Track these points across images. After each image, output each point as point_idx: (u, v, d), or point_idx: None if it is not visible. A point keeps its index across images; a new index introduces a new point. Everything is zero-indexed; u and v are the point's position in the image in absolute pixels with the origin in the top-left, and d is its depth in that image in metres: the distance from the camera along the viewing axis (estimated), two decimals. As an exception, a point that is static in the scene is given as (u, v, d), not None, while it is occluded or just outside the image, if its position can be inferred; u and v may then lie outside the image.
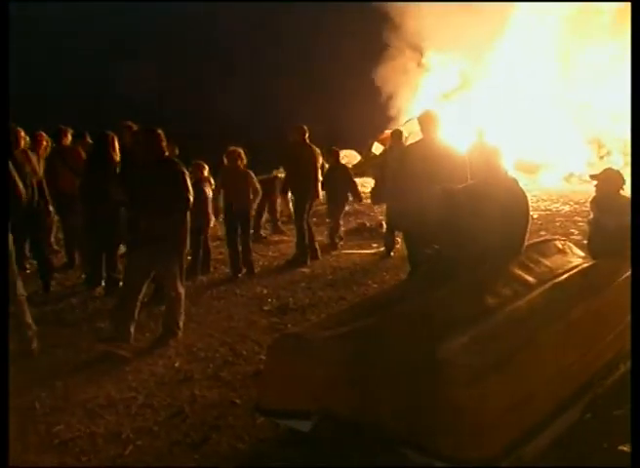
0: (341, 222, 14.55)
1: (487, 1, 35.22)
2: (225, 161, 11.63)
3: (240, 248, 11.61)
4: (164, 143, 8.09)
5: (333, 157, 14.10)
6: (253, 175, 11.67)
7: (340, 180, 13.84)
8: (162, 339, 8.09)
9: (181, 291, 8.22)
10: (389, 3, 35.60)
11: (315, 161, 12.24)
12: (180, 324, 8.25)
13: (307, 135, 12.19)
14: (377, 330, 5.08)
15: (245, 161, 11.56)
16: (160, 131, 8.08)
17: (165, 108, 35.75)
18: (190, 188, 8.05)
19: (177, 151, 11.22)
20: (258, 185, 11.65)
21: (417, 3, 35.36)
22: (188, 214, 8.14)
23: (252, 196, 11.57)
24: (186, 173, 8.14)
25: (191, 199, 8.04)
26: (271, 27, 39.37)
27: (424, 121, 9.04)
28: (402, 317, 5.20)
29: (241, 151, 11.49)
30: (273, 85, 37.81)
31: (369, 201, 15.16)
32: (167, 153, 8.31)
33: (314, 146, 12.34)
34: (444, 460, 4.25)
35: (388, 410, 4.49)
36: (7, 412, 4.57)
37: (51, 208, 10.75)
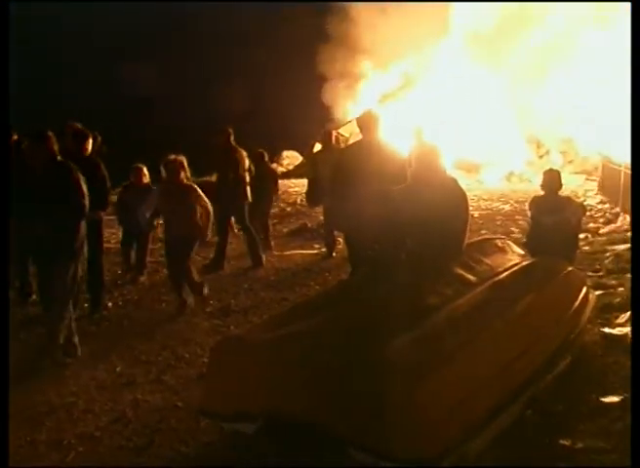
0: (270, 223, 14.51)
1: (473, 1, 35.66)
2: (163, 173, 9.55)
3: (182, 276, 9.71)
4: (55, 146, 7.44)
5: (258, 158, 13.97)
6: (198, 189, 9.50)
7: (266, 181, 13.83)
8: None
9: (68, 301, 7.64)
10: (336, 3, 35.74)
11: (239, 164, 12.05)
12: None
13: (232, 137, 12.04)
14: (319, 331, 5.07)
15: (188, 173, 9.54)
16: (50, 133, 7.46)
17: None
18: (85, 193, 7.35)
19: (104, 149, 10.78)
20: (206, 202, 9.48)
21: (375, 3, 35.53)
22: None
23: (198, 216, 9.36)
24: (81, 177, 7.39)
25: (86, 204, 7.36)
26: (210, 28, 39.13)
27: (363, 122, 8.83)
28: (345, 317, 5.20)
29: (182, 160, 9.45)
30: (212, 86, 37.62)
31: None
32: (59, 157, 7.51)
33: (240, 149, 12.18)
34: (388, 460, 4.26)
35: (332, 411, 4.48)
36: (7, 412, 4.57)
37: None
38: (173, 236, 9.47)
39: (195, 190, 9.40)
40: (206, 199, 9.46)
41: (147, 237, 11.51)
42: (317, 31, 36.09)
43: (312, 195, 13.17)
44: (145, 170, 11.02)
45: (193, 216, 9.26)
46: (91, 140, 8.72)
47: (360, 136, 9.00)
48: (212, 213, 9.53)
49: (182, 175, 9.37)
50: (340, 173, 8.52)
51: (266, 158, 14.48)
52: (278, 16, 37.32)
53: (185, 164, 9.41)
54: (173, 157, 9.39)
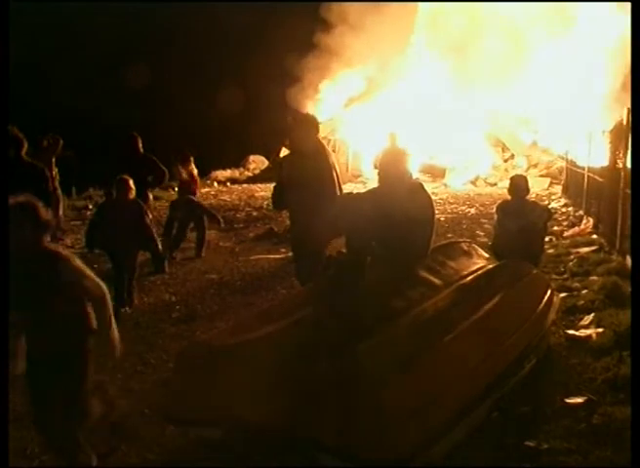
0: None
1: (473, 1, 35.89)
2: (114, 193, 9.77)
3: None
4: None
5: (186, 161, 13.84)
6: (143, 206, 9.84)
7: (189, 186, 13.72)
8: None
9: None
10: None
11: (143, 169, 11.84)
12: None
13: (140, 144, 11.96)
14: (286, 335, 5.07)
15: (134, 191, 9.64)
16: None
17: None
18: None
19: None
20: (149, 221, 9.81)
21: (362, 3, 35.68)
22: None
23: (144, 235, 9.61)
24: None
25: None
26: (168, 27, 38.90)
27: (291, 127, 8.33)
28: (311, 322, 5.21)
29: (129, 179, 9.55)
30: (179, 90, 37.46)
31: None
32: None
33: (150, 155, 12.08)
34: (354, 462, 4.27)
35: (298, 415, 4.48)
36: (7, 413, 4.54)
37: None
38: (122, 250, 9.60)
39: (141, 207, 9.76)
40: (149, 221, 9.85)
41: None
42: (286, 33, 36.11)
43: (277, 199, 13.10)
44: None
45: (144, 231, 9.67)
46: (26, 146, 8.49)
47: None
48: (155, 237, 9.96)
49: (131, 193, 9.58)
50: (278, 183, 8.42)
51: (192, 160, 14.13)
52: (251, 16, 37.25)
53: (131, 183, 9.58)
54: (124, 177, 9.61)
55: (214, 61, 39.37)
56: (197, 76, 38.98)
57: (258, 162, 34.86)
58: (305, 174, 7.92)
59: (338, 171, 8.40)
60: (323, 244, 8.02)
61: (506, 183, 9.37)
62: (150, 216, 10.08)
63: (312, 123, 8.29)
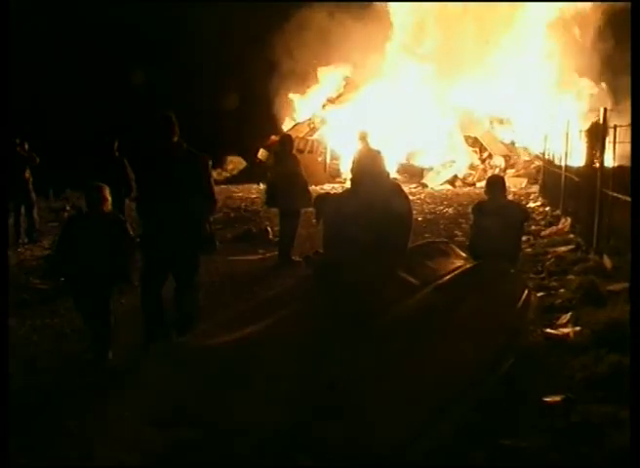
0: None
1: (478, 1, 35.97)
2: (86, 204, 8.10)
3: None
4: None
5: None
6: (124, 221, 8.17)
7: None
8: None
9: None
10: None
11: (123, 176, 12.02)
12: None
13: (117, 145, 12.00)
14: (263, 337, 5.06)
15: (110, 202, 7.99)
16: None
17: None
18: None
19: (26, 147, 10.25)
20: (130, 242, 7.93)
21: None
22: None
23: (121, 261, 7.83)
24: None
25: None
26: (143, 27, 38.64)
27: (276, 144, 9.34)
28: (288, 324, 5.20)
29: (103, 187, 7.84)
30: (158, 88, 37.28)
31: (254, 207, 15.13)
32: None
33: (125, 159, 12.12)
34: (334, 462, 4.27)
35: (274, 416, 4.47)
36: (7, 412, 4.52)
37: None
38: (95, 274, 7.68)
39: (123, 222, 8.14)
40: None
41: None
42: (260, 33, 36.03)
43: (268, 197, 13.29)
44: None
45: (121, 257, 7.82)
46: None
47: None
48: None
49: (106, 204, 7.88)
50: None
51: (227, 162, 14.48)
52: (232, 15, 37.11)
53: (107, 191, 7.89)
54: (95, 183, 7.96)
55: (187, 60, 39.14)
56: (174, 76, 38.74)
57: (236, 162, 34.78)
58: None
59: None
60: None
61: (484, 183, 9.40)
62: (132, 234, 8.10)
63: (289, 141, 12.17)
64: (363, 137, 13.99)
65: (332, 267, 5.99)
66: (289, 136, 14.10)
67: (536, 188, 26.67)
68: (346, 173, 29.98)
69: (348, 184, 6.86)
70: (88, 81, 37.04)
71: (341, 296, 5.55)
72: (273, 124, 37.47)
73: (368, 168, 6.47)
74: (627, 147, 11.25)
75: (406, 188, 6.70)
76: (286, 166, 12.63)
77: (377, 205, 6.12)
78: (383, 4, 37.66)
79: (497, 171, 30.94)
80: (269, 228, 15.59)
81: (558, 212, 18.02)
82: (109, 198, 7.90)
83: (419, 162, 33.69)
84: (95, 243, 7.61)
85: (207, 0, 37.61)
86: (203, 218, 7.70)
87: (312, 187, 21.37)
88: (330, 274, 5.97)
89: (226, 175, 33.71)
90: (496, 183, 8.91)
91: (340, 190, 7.50)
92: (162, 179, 7.46)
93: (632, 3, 6.89)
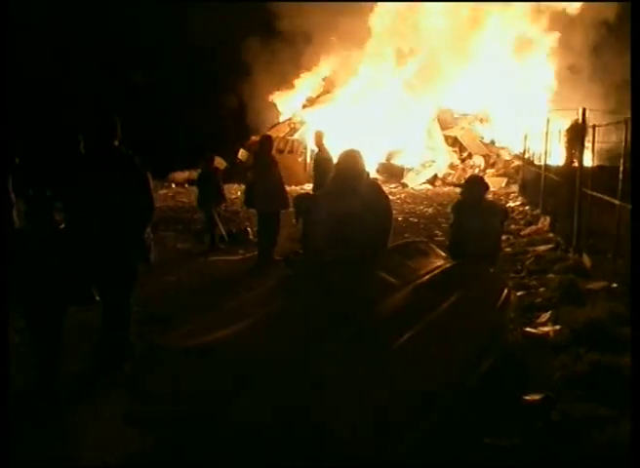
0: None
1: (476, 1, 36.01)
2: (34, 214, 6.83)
3: None
4: None
5: None
6: None
7: None
8: None
9: None
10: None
11: None
12: None
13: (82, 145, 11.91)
14: (244, 338, 5.05)
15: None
16: None
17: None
18: None
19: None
20: None
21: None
22: None
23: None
24: None
25: None
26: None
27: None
28: (268, 325, 5.19)
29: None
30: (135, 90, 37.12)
31: (234, 207, 15.08)
32: None
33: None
34: (312, 461, 4.28)
35: (257, 416, 4.47)
36: (7, 412, 4.52)
37: None
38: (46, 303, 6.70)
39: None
40: None
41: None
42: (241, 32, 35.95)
43: (246, 197, 13.31)
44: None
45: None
46: None
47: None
48: None
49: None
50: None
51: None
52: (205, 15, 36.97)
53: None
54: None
55: (169, 58, 39.00)
56: (157, 77, 38.59)
57: (216, 163, 34.69)
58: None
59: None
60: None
61: (463, 183, 9.40)
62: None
63: (268, 142, 12.72)
64: (319, 137, 13.93)
65: (312, 267, 5.99)
66: (268, 137, 14.08)
67: (515, 188, 26.77)
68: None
69: (328, 184, 6.85)
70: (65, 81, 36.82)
71: (323, 295, 5.55)
72: (254, 124, 37.43)
73: (348, 168, 6.47)
74: (606, 147, 11.33)
75: (386, 188, 6.71)
76: (264, 167, 12.62)
77: (357, 204, 6.13)
78: (365, 3, 37.70)
79: (476, 170, 31.00)
80: (249, 228, 15.55)
81: (538, 211, 18.09)
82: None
83: (399, 161, 33.73)
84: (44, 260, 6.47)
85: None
86: (137, 229, 7.09)
87: (292, 187, 21.42)
88: (310, 273, 5.97)
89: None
90: (475, 183, 8.89)
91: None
92: (88, 186, 6.77)
93: (632, 3, 6.88)
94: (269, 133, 34.47)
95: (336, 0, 36.43)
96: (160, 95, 37.06)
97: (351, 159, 6.60)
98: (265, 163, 12.69)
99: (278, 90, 38.85)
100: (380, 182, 6.80)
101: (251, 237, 15.11)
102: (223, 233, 14.64)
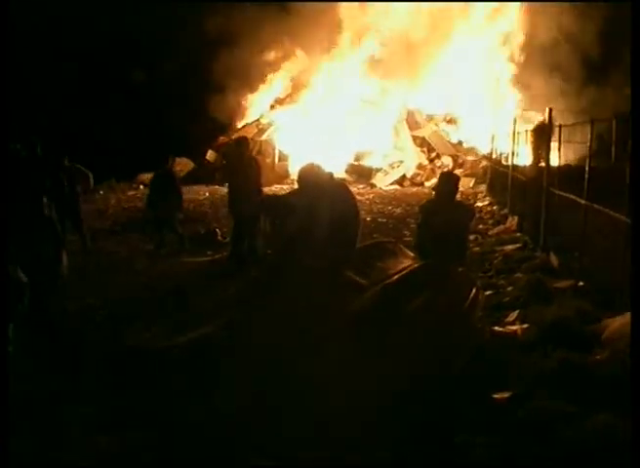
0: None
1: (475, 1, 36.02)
2: None
3: None
4: None
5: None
6: None
7: None
8: None
9: None
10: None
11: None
12: None
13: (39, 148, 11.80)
14: (215, 337, 5.06)
15: None
16: None
17: None
18: None
19: None
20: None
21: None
22: None
23: None
24: None
25: None
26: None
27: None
28: (234, 327, 5.20)
29: None
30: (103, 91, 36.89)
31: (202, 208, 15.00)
32: None
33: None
34: (275, 460, 4.30)
35: (233, 416, 4.48)
36: (7, 411, 4.55)
37: None
38: None
39: None
40: None
41: None
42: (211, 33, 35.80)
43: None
44: None
45: None
46: None
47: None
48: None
49: None
50: None
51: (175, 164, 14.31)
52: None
53: None
54: None
55: (133, 62, 38.71)
56: (118, 75, 38.24)
57: (183, 164, 34.50)
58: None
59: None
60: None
61: (433, 182, 9.41)
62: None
63: (247, 143, 12.36)
64: (240, 144, 13.34)
65: (282, 268, 6.00)
66: (245, 138, 13.79)
67: (483, 188, 26.90)
68: (294, 173, 30.07)
69: (296, 185, 6.88)
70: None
71: (293, 296, 5.57)
72: (221, 125, 37.35)
73: (310, 172, 6.50)
74: (572, 146, 11.41)
75: (355, 189, 6.75)
76: (243, 169, 12.26)
77: (324, 204, 6.14)
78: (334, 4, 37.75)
79: (445, 170, 31.16)
80: (218, 230, 15.48)
81: (505, 210, 18.20)
82: None
83: (367, 162, 33.79)
84: None
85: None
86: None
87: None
88: (280, 274, 5.98)
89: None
90: (449, 176, 8.88)
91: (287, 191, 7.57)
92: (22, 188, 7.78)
93: (632, 3, 6.91)
94: (237, 134, 34.50)
95: (323, 0, 36.58)
96: (130, 96, 36.84)
97: (310, 171, 6.64)
98: (246, 164, 12.38)
99: (246, 91, 38.78)
100: (347, 183, 6.80)
101: (219, 238, 15.04)
102: (183, 237, 14.29)
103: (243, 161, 12.53)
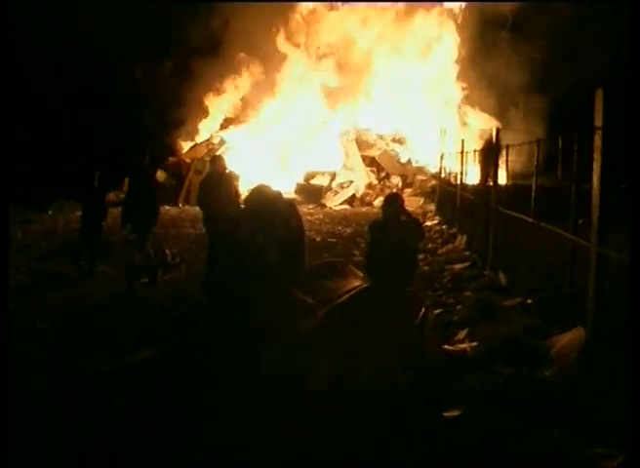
0: None
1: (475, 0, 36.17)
2: None
3: None
4: None
5: None
6: None
7: None
8: None
9: None
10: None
11: None
12: None
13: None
14: (162, 361, 5.03)
15: None
16: None
17: None
18: None
19: None
20: None
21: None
22: None
23: None
24: None
25: None
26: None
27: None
28: (180, 348, 5.17)
29: None
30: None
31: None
32: None
33: None
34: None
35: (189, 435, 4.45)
36: (7, 413, 4.52)
37: None
38: None
39: None
40: None
41: None
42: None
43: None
44: None
45: None
46: None
47: None
48: None
49: None
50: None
51: None
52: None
53: None
54: None
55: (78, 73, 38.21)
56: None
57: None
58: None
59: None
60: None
61: (381, 202, 9.46)
62: None
63: (222, 162, 12.35)
64: (214, 162, 12.93)
65: (229, 290, 5.99)
66: (219, 157, 13.54)
67: (432, 207, 27.09)
68: (245, 193, 30.00)
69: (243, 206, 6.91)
70: None
71: (237, 319, 5.55)
72: (170, 146, 37.18)
73: (257, 192, 6.54)
74: (517, 166, 11.56)
75: (304, 208, 6.75)
76: (219, 187, 11.86)
77: (269, 223, 6.16)
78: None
79: (394, 190, 31.30)
80: (167, 250, 15.30)
81: (454, 229, 18.32)
82: None
83: (317, 182, 33.86)
84: None
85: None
86: None
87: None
88: (227, 297, 5.97)
89: (123, 196, 33.03)
90: (393, 201, 8.92)
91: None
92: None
93: (632, 3, 7.01)
94: (187, 153, 34.39)
95: (302, 0, 36.81)
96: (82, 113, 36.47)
97: (257, 190, 6.68)
98: (221, 183, 11.94)
99: (195, 110, 38.68)
100: (296, 203, 6.82)
101: (169, 259, 14.86)
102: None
103: (221, 179, 12.08)
